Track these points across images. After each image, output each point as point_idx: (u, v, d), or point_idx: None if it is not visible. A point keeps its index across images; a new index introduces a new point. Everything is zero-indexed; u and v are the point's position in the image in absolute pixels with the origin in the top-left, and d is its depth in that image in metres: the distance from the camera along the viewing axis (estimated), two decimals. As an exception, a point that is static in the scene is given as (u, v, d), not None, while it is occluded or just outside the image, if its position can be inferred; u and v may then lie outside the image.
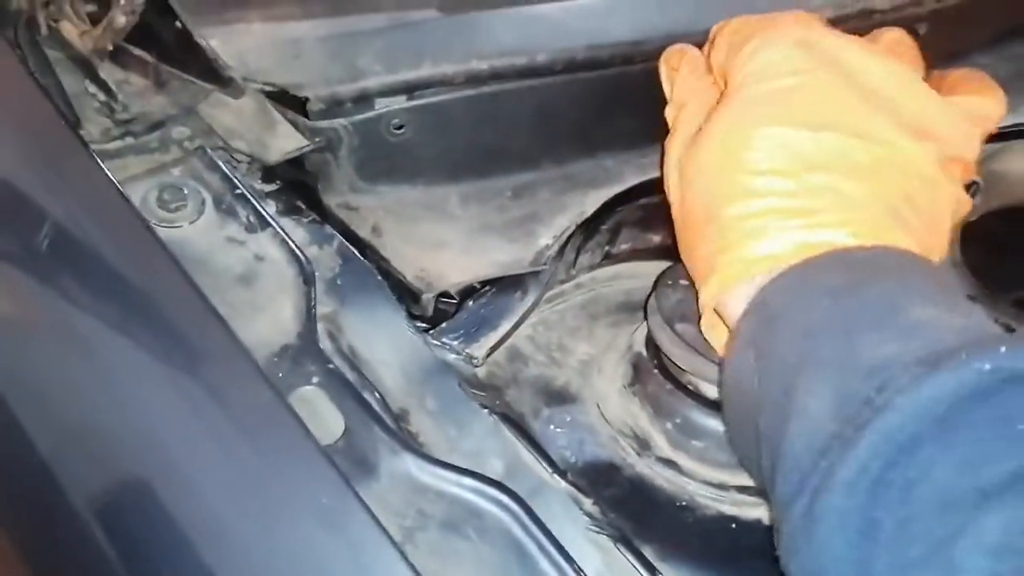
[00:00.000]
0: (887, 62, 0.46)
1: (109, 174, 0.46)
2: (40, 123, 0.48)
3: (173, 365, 0.41)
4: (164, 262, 0.44)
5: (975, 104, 0.47)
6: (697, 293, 0.45)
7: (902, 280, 0.39)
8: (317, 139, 0.54)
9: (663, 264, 0.63)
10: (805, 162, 0.42)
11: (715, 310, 0.45)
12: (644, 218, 0.60)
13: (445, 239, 0.55)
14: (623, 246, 0.61)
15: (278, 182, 0.52)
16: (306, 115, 0.53)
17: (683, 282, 0.51)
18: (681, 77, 0.51)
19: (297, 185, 0.54)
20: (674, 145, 0.49)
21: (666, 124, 0.52)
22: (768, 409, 0.38)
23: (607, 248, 0.61)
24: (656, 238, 0.62)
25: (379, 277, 0.49)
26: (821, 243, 0.41)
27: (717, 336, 0.46)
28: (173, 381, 0.41)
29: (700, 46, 0.53)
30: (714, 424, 0.48)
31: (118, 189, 0.46)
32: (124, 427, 0.39)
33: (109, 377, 0.41)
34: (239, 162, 0.53)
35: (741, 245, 0.42)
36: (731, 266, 0.42)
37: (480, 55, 0.54)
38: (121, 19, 0.47)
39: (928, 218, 0.44)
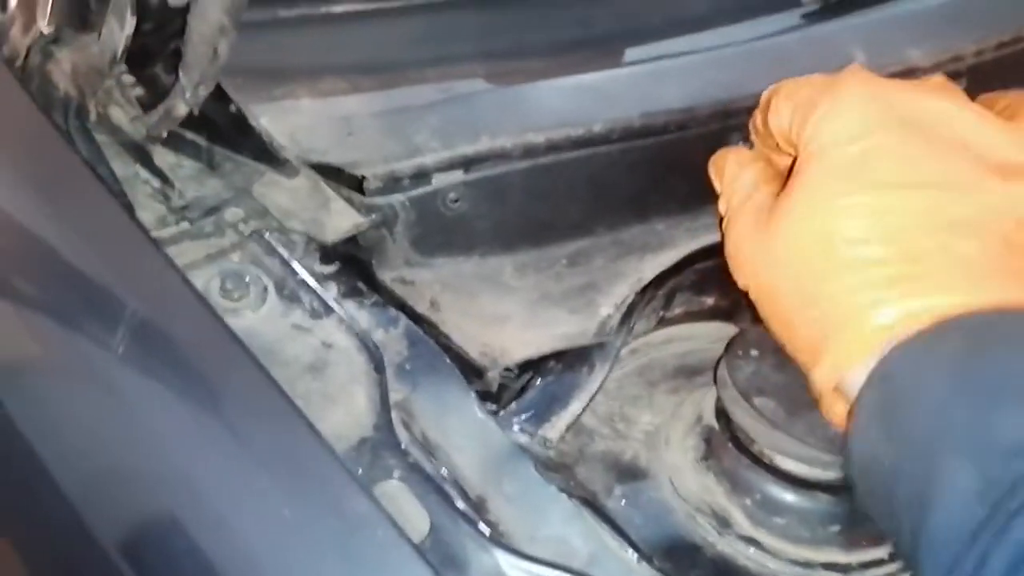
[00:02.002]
0: (956, 105, 0.45)
1: (176, 265, 0.45)
2: (100, 212, 0.47)
3: (257, 467, 0.40)
4: (238, 356, 0.43)
5: None
6: (804, 375, 0.43)
7: None
8: (373, 216, 0.53)
9: (715, 325, 0.63)
10: (901, 225, 0.41)
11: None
12: (697, 282, 0.60)
13: (506, 312, 0.54)
14: (677, 310, 0.61)
15: (337, 263, 0.52)
16: (362, 192, 0.53)
17: (754, 352, 0.50)
18: (729, 167, 0.50)
19: (352, 261, 0.53)
20: (738, 226, 0.47)
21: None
22: (905, 482, 0.38)
23: (662, 313, 0.60)
24: (709, 300, 0.61)
25: (447, 359, 0.49)
26: (934, 307, 0.40)
27: (836, 411, 0.44)
28: (258, 486, 0.40)
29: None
30: (794, 499, 0.48)
31: (185, 280, 0.45)
32: (218, 540, 0.38)
33: (194, 487, 0.40)
34: (296, 243, 0.52)
35: (851, 323, 0.41)
36: (845, 346, 0.41)
37: (536, 127, 0.54)
38: (182, 108, 0.46)
39: None
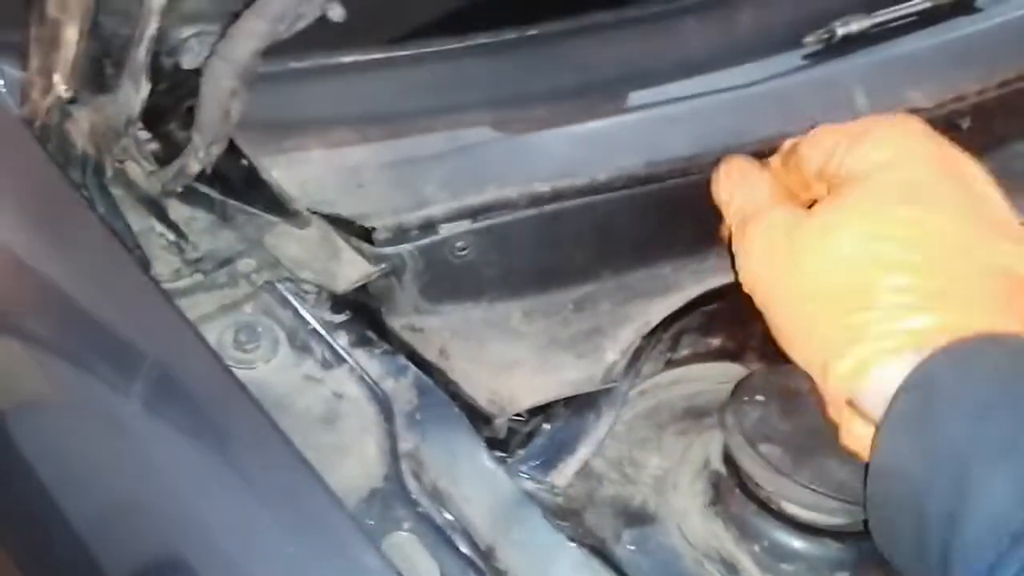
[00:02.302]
0: (974, 164, 0.47)
1: (187, 319, 0.46)
2: (114, 268, 0.49)
3: (270, 523, 0.41)
4: (249, 410, 0.44)
5: None
6: (811, 383, 0.45)
7: None
8: (383, 265, 0.54)
9: (722, 366, 0.63)
10: (939, 249, 0.43)
11: (847, 400, 0.44)
12: (704, 324, 0.61)
13: (514, 358, 0.55)
14: (684, 351, 0.62)
15: (348, 312, 0.53)
16: (371, 243, 0.54)
17: (759, 397, 0.51)
18: (733, 177, 0.51)
19: (362, 309, 0.54)
20: (759, 235, 0.47)
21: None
22: (939, 492, 0.38)
23: (669, 355, 0.61)
24: (716, 342, 0.62)
25: (456, 408, 0.49)
26: (967, 324, 0.41)
27: (854, 432, 0.44)
28: (270, 543, 0.40)
29: (755, 155, 0.54)
30: (802, 545, 0.48)
31: (197, 334, 0.46)
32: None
33: (202, 539, 0.41)
34: (307, 292, 0.53)
35: (884, 328, 0.42)
36: (876, 348, 0.42)
37: (541, 177, 0.55)
38: (195, 166, 0.47)
39: (1019, 315, 0.45)
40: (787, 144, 0.52)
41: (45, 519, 0.44)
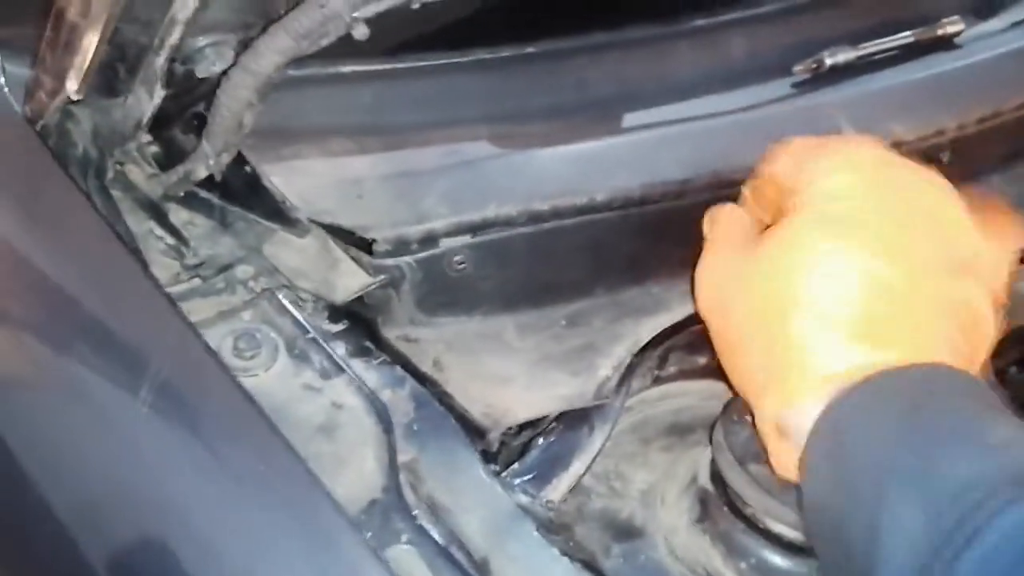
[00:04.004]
0: (945, 195, 0.47)
1: (192, 324, 0.46)
2: (116, 269, 0.48)
3: (273, 533, 0.41)
4: (253, 418, 0.44)
5: (1005, 236, 0.50)
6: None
7: (970, 397, 0.41)
8: (381, 276, 0.54)
9: (708, 384, 0.64)
10: (874, 285, 0.44)
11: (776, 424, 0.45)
12: (691, 342, 0.62)
13: (508, 373, 0.56)
14: (671, 368, 0.63)
15: (345, 321, 0.53)
16: (371, 254, 0.54)
17: (748, 417, 0.52)
18: (721, 218, 0.52)
19: (358, 319, 0.55)
20: (713, 250, 0.49)
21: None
22: (856, 526, 0.39)
23: (657, 372, 0.62)
24: (702, 360, 0.63)
25: (453, 420, 0.50)
26: (882, 362, 0.42)
27: (783, 458, 0.45)
28: (274, 553, 0.41)
29: (742, 181, 0.55)
30: (790, 565, 0.49)
31: (200, 338, 0.46)
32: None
33: (205, 548, 0.41)
34: (305, 301, 0.53)
35: (803, 365, 0.43)
36: (793, 385, 0.43)
37: (541, 195, 0.56)
38: (202, 172, 0.47)
39: (973, 348, 0.46)
40: (770, 147, 0.52)
41: (41, 519, 0.44)
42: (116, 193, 0.54)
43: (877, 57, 0.71)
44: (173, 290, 0.52)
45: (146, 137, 0.52)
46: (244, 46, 0.42)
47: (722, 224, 0.52)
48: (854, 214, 0.45)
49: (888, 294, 0.44)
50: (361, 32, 0.38)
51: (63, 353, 0.45)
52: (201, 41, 0.43)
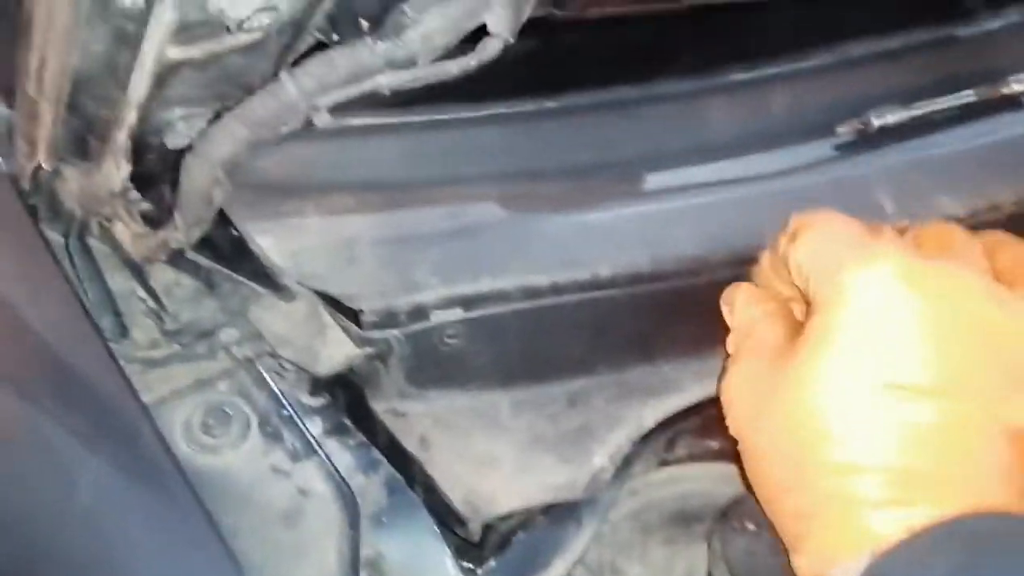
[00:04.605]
0: (990, 298, 0.42)
1: (143, 403, 0.45)
2: (73, 336, 0.47)
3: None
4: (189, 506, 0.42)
5: None
6: (779, 541, 0.42)
7: None
8: (368, 349, 0.52)
9: (720, 467, 0.60)
10: (915, 429, 0.39)
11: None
12: (702, 426, 0.58)
13: (496, 455, 0.53)
14: (680, 452, 0.59)
15: (326, 395, 0.51)
16: (359, 325, 0.52)
17: (750, 526, 0.48)
18: (739, 307, 0.48)
19: (344, 387, 0.52)
20: (740, 369, 0.45)
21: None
22: None
23: (664, 455, 0.58)
24: (715, 444, 0.59)
25: (426, 512, 0.47)
26: (929, 517, 0.38)
27: None
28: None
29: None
30: None
31: (150, 419, 0.44)
32: None
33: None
34: (287, 371, 0.51)
35: (841, 520, 0.39)
36: (832, 541, 0.39)
37: (540, 268, 0.52)
38: (175, 241, 0.45)
39: None
40: (794, 223, 0.46)
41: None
42: (104, 249, 0.53)
43: (931, 118, 0.66)
44: (151, 355, 0.51)
45: (135, 195, 0.51)
46: (218, 117, 0.40)
47: (742, 314, 0.47)
48: (881, 347, 0.40)
49: (931, 436, 0.39)
50: (323, 120, 0.36)
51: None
52: (172, 114, 0.41)
